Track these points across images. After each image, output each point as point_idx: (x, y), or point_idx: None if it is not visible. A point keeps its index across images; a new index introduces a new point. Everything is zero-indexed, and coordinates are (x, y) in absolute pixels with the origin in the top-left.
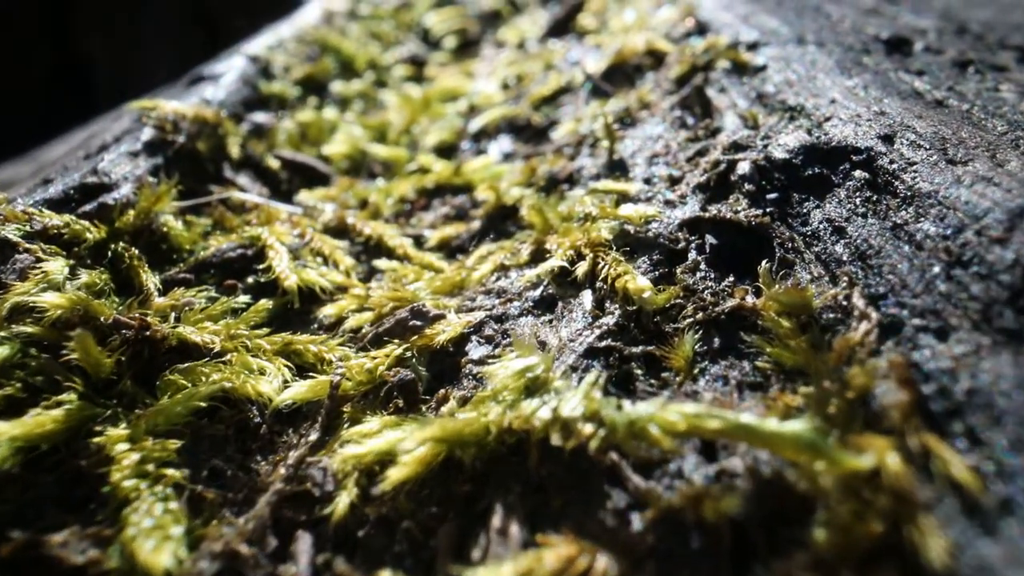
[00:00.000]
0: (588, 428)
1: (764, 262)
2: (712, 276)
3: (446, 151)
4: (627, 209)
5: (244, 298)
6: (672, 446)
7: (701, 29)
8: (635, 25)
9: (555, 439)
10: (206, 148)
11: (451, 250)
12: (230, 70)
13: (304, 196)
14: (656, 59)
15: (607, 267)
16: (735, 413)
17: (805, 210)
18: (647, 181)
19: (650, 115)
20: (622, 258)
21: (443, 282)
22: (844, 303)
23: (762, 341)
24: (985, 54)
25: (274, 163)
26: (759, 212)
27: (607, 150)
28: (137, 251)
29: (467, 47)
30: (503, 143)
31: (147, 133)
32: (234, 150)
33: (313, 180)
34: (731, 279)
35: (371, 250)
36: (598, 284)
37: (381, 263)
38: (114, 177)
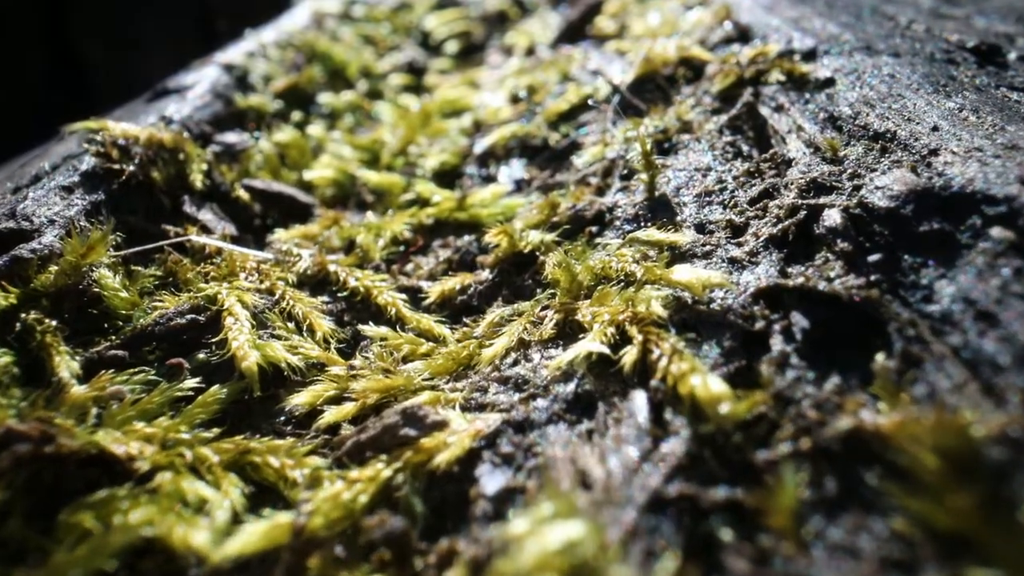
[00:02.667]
0: None
1: (880, 356)
2: (809, 376)
3: (448, 176)
4: (683, 272)
5: (192, 382)
6: None
7: (742, 34)
8: (662, 29)
9: None
10: (162, 177)
11: (455, 309)
12: (200, 81)
13: (279, 236)
14: (692, 69)
15: (664, 358)
16: None
17: (925, 280)
18: (701, 229)
19: (693, 139)
20: (682, 345)
21: (446, 359)
22: (1022, 436)
23: (898, 490)
24: None
25: (245, 194)
26: (861, 282)
27: (645, 184)
28: (55, 321)
29: (471, 52)
30: (515, 168)
31: (87, 162)
32: (197, 179)
33: (292, 212)
34: (836, 380)
35: (357, 308)
36: (653, 382)
37: (368, 329)
38: (37, 221)
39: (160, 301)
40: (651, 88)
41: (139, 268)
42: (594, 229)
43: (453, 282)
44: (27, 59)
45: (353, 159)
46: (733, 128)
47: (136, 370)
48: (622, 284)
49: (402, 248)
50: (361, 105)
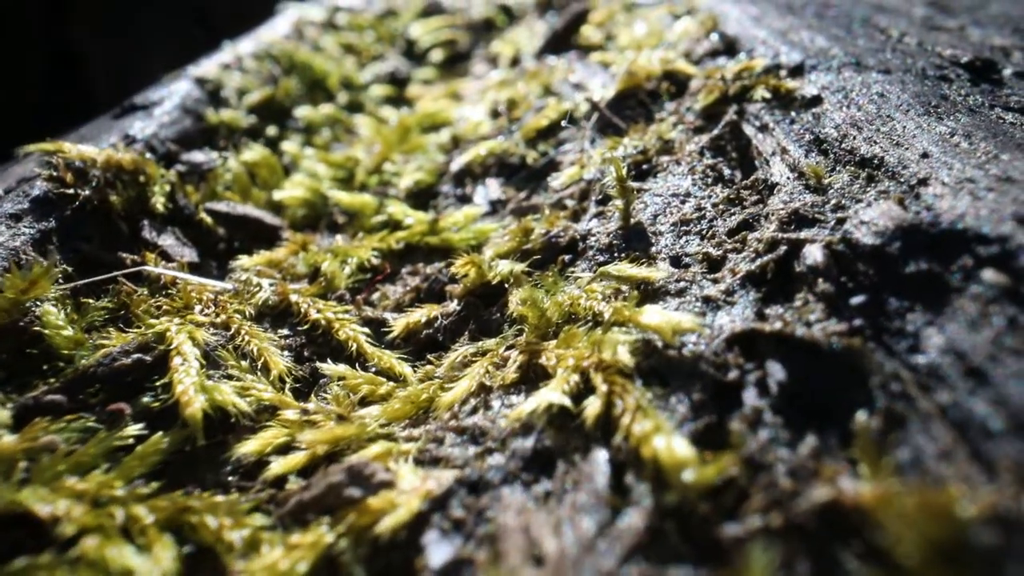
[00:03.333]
0: None
1: (861, 414)
2: (783, 436)
3: (423, 196)
4: (652, 315)
5: (134, 428)
6: None
7: (729, 47)
8: (647, 40)
9: None
10: (121, 201)
11: (420, 344)
12: (170, 96)
13: (242, 262)
14: (676, 84)
15: (627, 414)
16: None
17: (912, 327)
18: (676, 262)
19: (674, 161)
20: (648, 398)
21: (404, 403)
22: (1015, 516)
23: (880, 574)
24: None
25: (209, 218)
26: (843, 327)
27: (620, 212)
28: None
29: (456, 62)
30: (491, 188)
31: (39, 187)
32: (158, 202)
33: (259, 236)
34: (813, 441)
35: (318, 342)
36: (616, 440)
37: (327, 367)
38: None
39: (107, 338)
40: (633, 104)
41: (89, 301)
42: (567, 258)
43: (419, 314)
44: (27, 59)
45: (327, 177)
46: (715, 149)
47: (75, 417)
48: (591, 324)
49: (369, 275)
50: (339, 118)
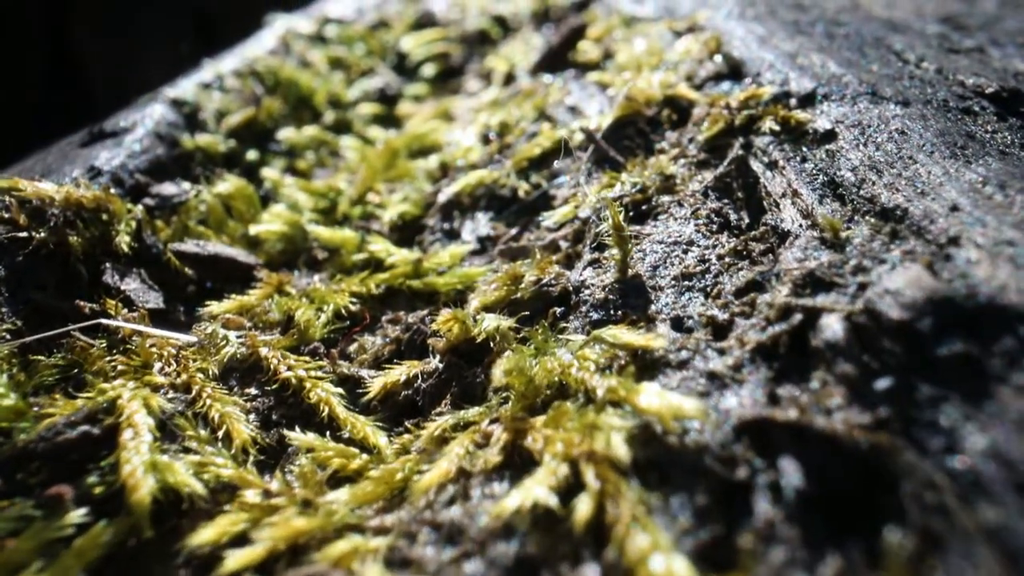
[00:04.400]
0: None
1: (892, 531)
2: (801, 556)
3: (409, 229)
4: (651, 397)
5: (77, 515)
6: None
7: (734, 70)
8: (647, 59)
9: None
10: (81, 243)
11: (398, 407)
12: (142, 121)
13: (211, 309)
14: (678, 111)
15: (621, 524)
16: None
17: (948, 421)
18: (678, 324)
19: (675, 202)
20: (644, 501)
21: (376, 484)
22: None
23: None
24: None
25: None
26: (867, 418)
27: (617, 262)
28: None
29: (448, 76)
30: (480, 222)
31: None
32: (122, 242)
33: (231, 276)
34: (835, 562)
35: (288, 403)
36: (609, 554)
37: (295, 436)
38: None
39: (53, 406)
40: (632, 133)
41: (40, 358)
42: (559, 311)
43: (398, 373)
44: (27, 59)
45: (307, 207)
46: (720, 189)
47: (8, 503)
48: (582, 401)
49: (347, 323)
50: (324, 140)
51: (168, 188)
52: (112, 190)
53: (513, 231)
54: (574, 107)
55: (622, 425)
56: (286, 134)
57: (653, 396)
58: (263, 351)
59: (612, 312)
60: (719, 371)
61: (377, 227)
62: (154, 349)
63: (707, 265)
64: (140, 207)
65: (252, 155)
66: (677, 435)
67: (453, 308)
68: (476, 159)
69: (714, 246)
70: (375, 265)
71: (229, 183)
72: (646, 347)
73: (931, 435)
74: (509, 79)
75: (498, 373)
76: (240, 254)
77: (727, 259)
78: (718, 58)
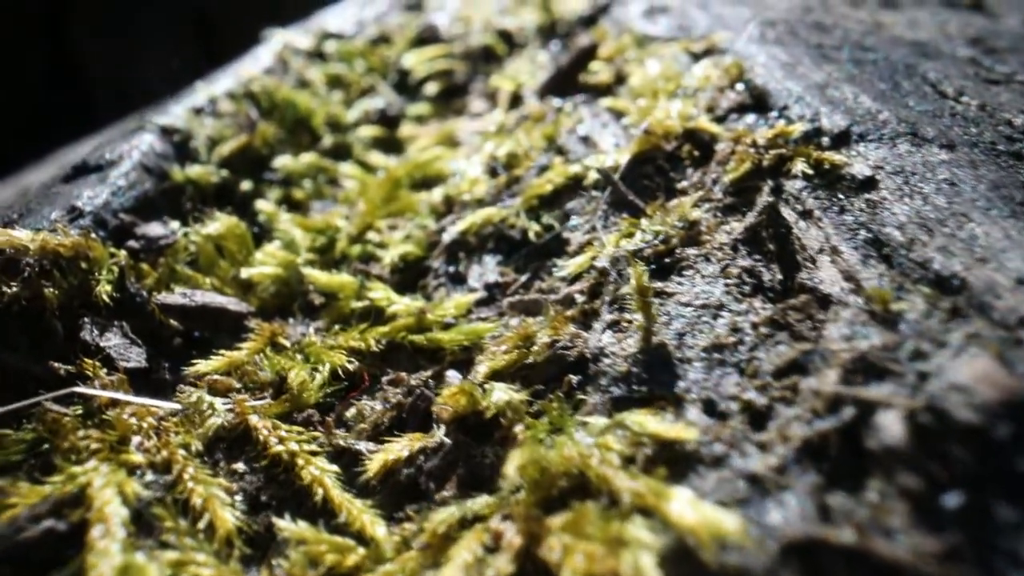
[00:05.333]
0: None
1: None
2: None
3: (411, 271)
4: (685, 507)
5: None
6: None
7: (758, 101)
8: (663, 85)
9: None
10: (58, 295)
11: (399, 488)
12: (129, 153)
13: (199, 367)
14: (699, 146)
15: None
16: None
17: None
18: (710, 408)
19: (702, 256)
20: None
21: None
22: None
23: None
24: None
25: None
26: (937, 547)
27: (640, 330)
28: None
29: (452, 95)
30: (487, 267)
31: None
32: (103, 292)
33: (221, 326)
34: None
35: (279, 481)
36: None
37: (285, 526)
38: None
39: (16, 493)
40: (650, 171)
41: (8, 432)
42: (575, 380)
43: (399, 448)
44: (27, 59)
45: (303, 245)
46: (751, 243)
47: None
48: (606, 502)
49: (344, 384)
50: (322, 167)
51: (155, 229)
52: (94, 234)
53: (523, 278)
54: (586, 137)
55: (652, 542)
56: (282, 162)
57: (687, 506)
58: (253, 419)
59: (635, 388)
60: (760, 473)
61: (377, 269)
62: (133, 420)
63: (740, 335)
64: (123, 252)
65: (246, 185)
66: (714, 554)
67: (459, 373)
68: (482, 193)
69: (747, 312)
70: (375, 314)
71: (220, 223)
72: (678, 439)
73: (1014, 570)
74: (515, 100)
75: (511, 470)
76: (231, 302)
77: (762, 329)
78: (740, 86)
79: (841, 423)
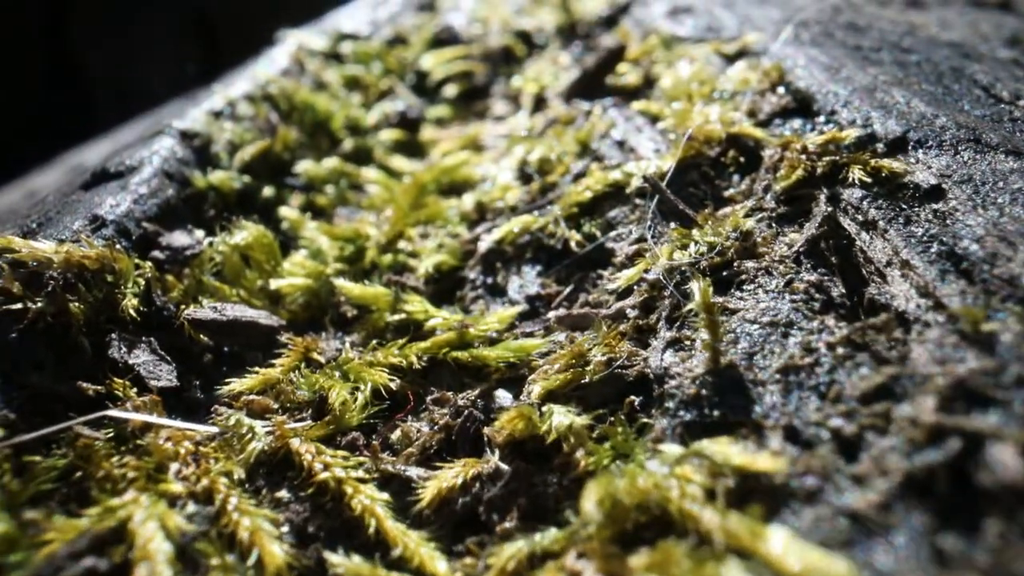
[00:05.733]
0: None
1: None
2: None
3: (446, 281)
4: (786, 550)
5: None
6: None
7: (802, 104)
8: (697, 88)
9: None
10: (84, 310)
11: (455, 518)
12: (149, 159)
13: (233, 387)
14: (744, 152)
15: None
16: None
17: None
18: (793, 436)
19: (762, 270)
20: None
21: None
22: None
23: None
24: None
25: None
26: None
27: (708, 350)
28: None
29: (472, 97)
30: (527, 277)
31: None
32: (129, 306)
33: (251, 341)
34: None
35: (326, 511)
36: None
37: (338, 561)
38: None
39: (51, 527)
40: (695, 178)
41: (36, 458)
42: (637, 401)
43: (453, 476)
44: (27, 59)
45: (331, 255)
46: (815, 255)
47: None
48: (694, 541)
49: (387, 404)
50: (345, 172)
51: (180, 238)
52: (118, 244)
53: (567, 290)
54: (622, 142)
55: None
56: (304, 167)
57: (788, 549)
58: (294, 443)
59: (708, 412)
60: (861, 511)
61: (411, 280)
62: (169, 445)
63: (815, 355)
64: (149, 264)
65: (268, 191)
66: None
67: (508, 392)
68: (515, 200)
69: (820, 331)
70: (414, 328)
71: (247, 232)
72: (767, 471)
73: None
74: (539, 103)
75: (590, 505)
76: (261, 316)
77: (840, 350)
78: (781, 90)
79: (947, 456)
